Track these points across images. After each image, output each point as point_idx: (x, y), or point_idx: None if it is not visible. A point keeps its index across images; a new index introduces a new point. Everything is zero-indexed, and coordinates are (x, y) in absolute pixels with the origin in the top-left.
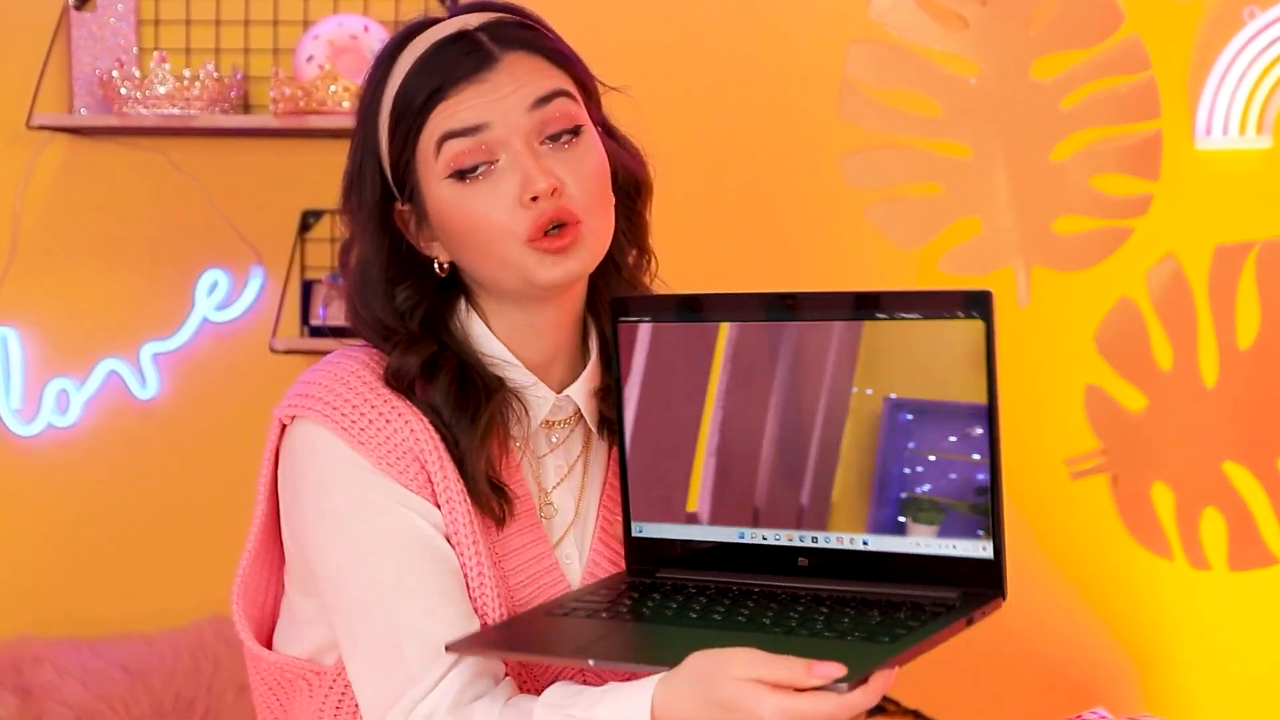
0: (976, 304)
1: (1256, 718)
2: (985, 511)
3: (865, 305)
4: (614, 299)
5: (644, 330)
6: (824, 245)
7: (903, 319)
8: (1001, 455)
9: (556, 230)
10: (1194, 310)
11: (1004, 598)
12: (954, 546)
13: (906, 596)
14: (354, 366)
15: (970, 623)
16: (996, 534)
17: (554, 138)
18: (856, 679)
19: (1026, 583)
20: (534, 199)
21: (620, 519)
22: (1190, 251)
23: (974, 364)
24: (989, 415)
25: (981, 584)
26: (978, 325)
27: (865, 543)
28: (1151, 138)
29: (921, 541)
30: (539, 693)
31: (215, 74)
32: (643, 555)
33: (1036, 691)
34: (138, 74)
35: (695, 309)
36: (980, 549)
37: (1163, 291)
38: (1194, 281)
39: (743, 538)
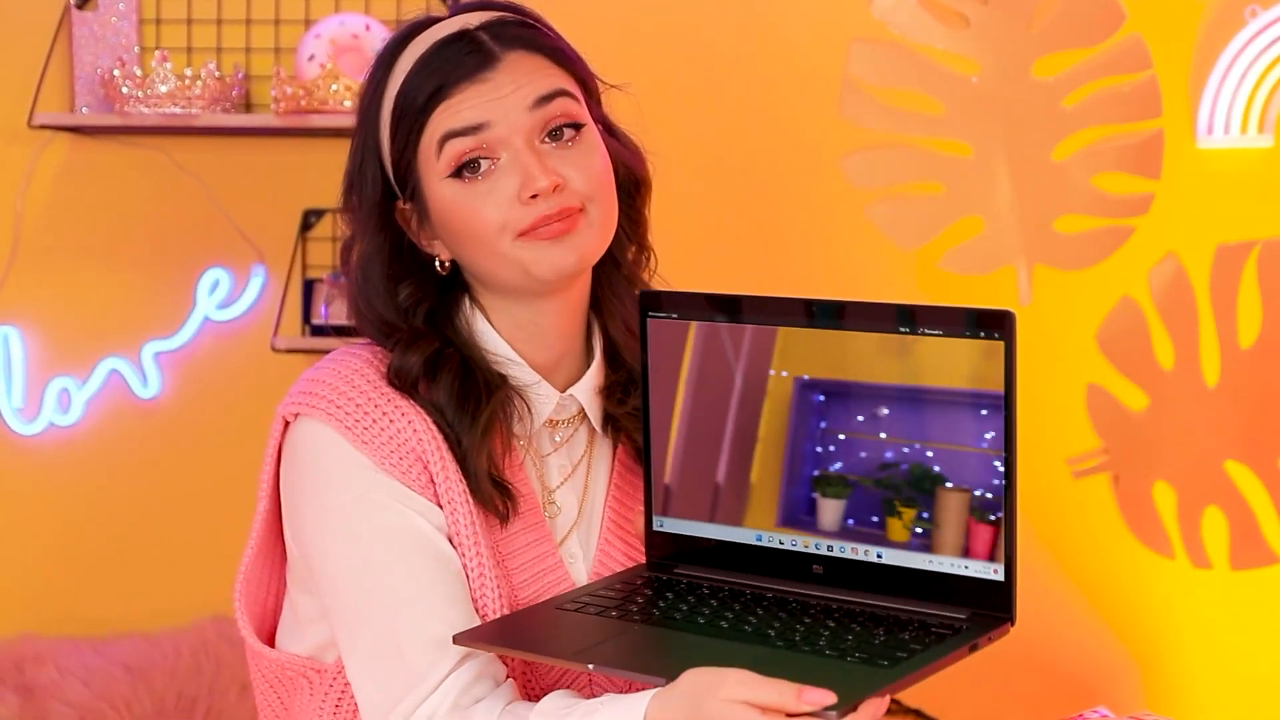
0: (998, 324)
1: (1258, 716)
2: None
3: (892, 318)
4: (643, 293)
5: (671, 326)
6: (824, 244)
7: (925, 335)
8: (1017, 479)
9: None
10: (1195, 309)
11: (1012, 623)
12: (966, 566)
13: (915, 614)
14: (357, 365)
15: (974, 649)
16: (1009, 557)
17: (555, 135)
18: (846, 708)
19: (1028, 581)
20: (533, 197)
21: (629, 517)
22: (1192, 251)
23: (991, 377)
24: (1006, 438)
25: (991, 606)
26: (998, 346)
27: (879, 555)
28: (1153, 137)
29: (934, 559)
30: (541, 691)
31: (217, 73)
32: (663, 549)
33: (1038, 690)
34: (139, 73)
35: (726, 310)
36: (991, 571)
37: (1164, 291)
38: (1195, 281)
39: (760, 540)
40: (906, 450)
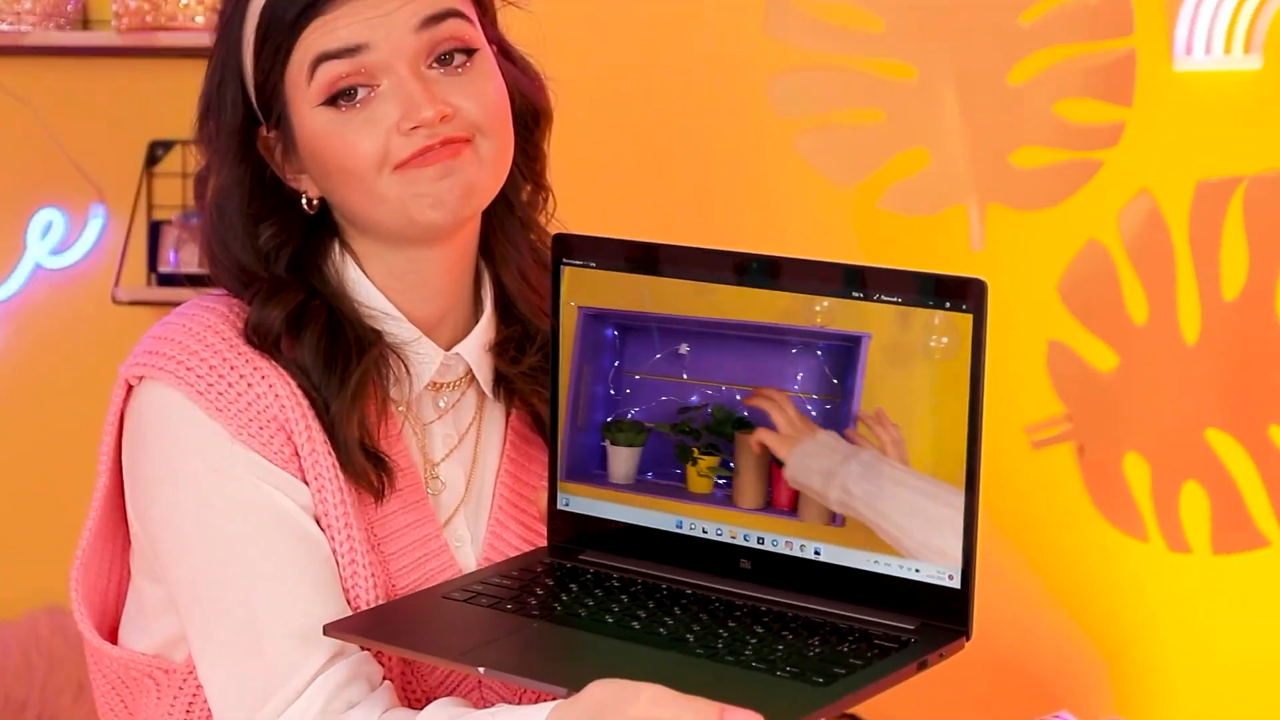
0: (965, 294)
1: None
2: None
3: (840, 280)
4: (557, 235)
5: (585, 276)
6: (748, 181)
7: (880, 302)
8: (980, 474)
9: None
10: (1172, 255)
11: (968, 638)
12: (917, 570)
13: (856, 622)
14: (211, 320)
15: (923, 667)
16: (966, 562)
17: (444, 61)
18: None
19: (981, 569)
20: (415, 128)
21: (524, 494)
22: (1168, 188)
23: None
24: (971, 434)
25: (944, 616)
26: (964, 320)
27: (817, 551)
28: (1124, 57)
29: (879, 559)
30: (423, 694)
31: None
32: (566, 531)
33: (995, 693)
34: None
35: (652, 260)
36: (946, 577)
37: (1136, 234)
38: (1172, 222)
39: (680, 527)
40: (711, 392)
